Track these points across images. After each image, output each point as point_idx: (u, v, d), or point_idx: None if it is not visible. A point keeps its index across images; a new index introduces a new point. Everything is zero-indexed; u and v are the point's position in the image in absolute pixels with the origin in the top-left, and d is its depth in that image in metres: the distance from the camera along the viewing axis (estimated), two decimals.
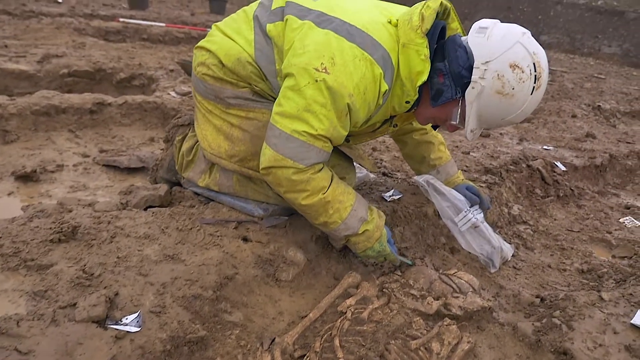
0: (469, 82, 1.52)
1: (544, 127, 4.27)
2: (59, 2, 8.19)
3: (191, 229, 1.67)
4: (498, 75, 1.47)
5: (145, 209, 1.86)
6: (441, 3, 1.61)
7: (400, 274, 1.76)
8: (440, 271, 1.83)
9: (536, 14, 16.56)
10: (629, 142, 4.06)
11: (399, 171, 2.63)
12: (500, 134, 3.85)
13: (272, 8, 1.71)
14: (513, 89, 1.48)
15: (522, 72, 1.47)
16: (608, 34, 15.28)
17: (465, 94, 1.54)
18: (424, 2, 1.60)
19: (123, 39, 5.89)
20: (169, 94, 3.43)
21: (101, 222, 1.66)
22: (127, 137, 3.03)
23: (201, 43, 1.83)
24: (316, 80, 1.45)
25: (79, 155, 2.70)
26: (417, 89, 1.57)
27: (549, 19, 16.32)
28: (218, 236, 1.65)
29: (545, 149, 3.52)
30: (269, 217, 1.81)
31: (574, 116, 4.78)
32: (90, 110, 3.06)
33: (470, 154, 3.06)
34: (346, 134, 1.58)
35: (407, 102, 1.63)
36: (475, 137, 1.66)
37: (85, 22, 5.93)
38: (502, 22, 1.59)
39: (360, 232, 1.64)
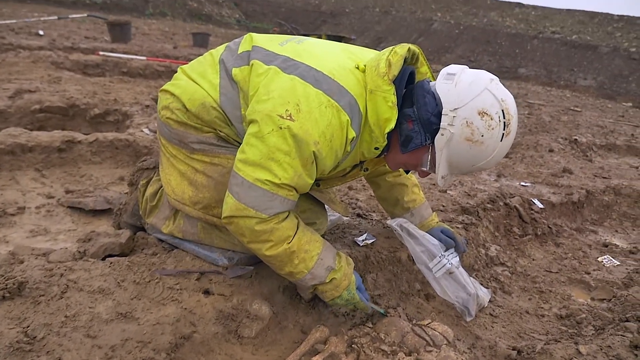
0: (439, 129, 1.50)
1: (522, 162, 4.29)
2: (41, 35, 8.16)
3: (149, 281, 1.58)
4: (467, 122, 1.45)
5: (103, 259, 1.77)
6: (409, 48, 1.60)
7: (371, 326, 1.68)
8: (414, 322, 1.76)
9: (514, 47, 17.07)
10: (605, 177, 4.09)
11: (374, 211, 2.58)
12: None
13: (239, 52, 1.68)
14: (482, 136, 1.46)
15: (491, 119, 1.45)
16: (583, 67, 15.78)
17: (435, 140, 1.52)
18: (391, 47, 1.59)
19: (102, 73, 5.84)
20: (142, 130, 3.37)
21: (53, 274, 1.56)
22: (96, 176, 2.94)
23: (166, 86, 1.78)
24: (280, 128, 1.40)
25: (43, 196, 2.60)
26: (386, 135, 1.54)
27: (526, 52, 16.82)
28: (178, 289, 1.56)
29: (523, 185, 3.51)
30: (234, 266, 1.72)
31: (551, 150, 4.82)
32: (58, 148, 2.97)
33: (448, 192, 3.03)
34: (312, 182, 1.52)
35: (376, 148, 1.60)
36: (447, 183, 1.63)
37: (64, 55, 5.87)
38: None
39: (327, 280, 1.57)
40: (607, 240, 3.10)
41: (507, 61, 16.33)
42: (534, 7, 22.21)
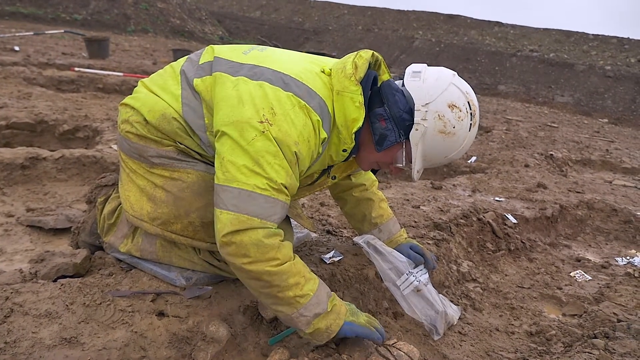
0: (411, 125, 1.54)
1: (497, 177, 4.30)
2: (16, 51, 8.04)
3: (100, 303, 1.51)
4: (439, 115, 1.52)
5: (55, 280, 1.69)
6: (372, 54, 1.64)
7: (334, 347, 1.63)
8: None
9: (493, 65, 17.39)
10: (578, 192, 4.12)
11: (345, 228, 2.54)
12: (454, 185, 3.84)
13: (200, 63, 1.66)
14: (454, 127, 1.53)
15: (460, 110, 1.53)
16: (560, 84, 16.10)
17: (410, 136, 1.55)
18: (356, 52, 1.63)
19: (77, 89, 5.75)
20: (111, 147, 3.29)
21: None
22: (60, 193, 2.85)
23: (126, 100, 1.75)
24: (263, 132, 1.38)
25: (2, 215, 2.51)
26: (353, 136, 1.54)
27: (505, 70, 17.14)
28: (130, 312, 1.49)
29: (497, 200, 3.51)
30: (191, 287, 1.66)
31: (526, 166, 4.86)
32: (22, 165, 2.89)
33: (421, 207, 3.01)
34: (298, 184, 1.50)
35: (344, 150, 1.60)
36: (419, 176, 1.66)
37: (38, 71, 5.78)
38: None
39: (329, 309, 1.48)
40: (580, 255, 3.10)
41: (487, 78, 16.61)
42: (513, 26, 22.74)
